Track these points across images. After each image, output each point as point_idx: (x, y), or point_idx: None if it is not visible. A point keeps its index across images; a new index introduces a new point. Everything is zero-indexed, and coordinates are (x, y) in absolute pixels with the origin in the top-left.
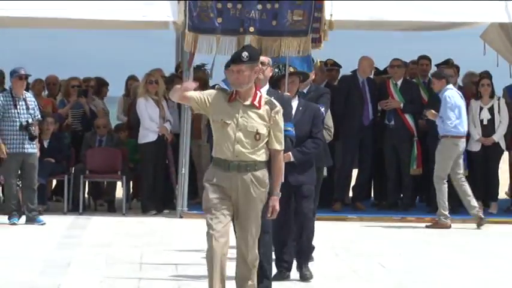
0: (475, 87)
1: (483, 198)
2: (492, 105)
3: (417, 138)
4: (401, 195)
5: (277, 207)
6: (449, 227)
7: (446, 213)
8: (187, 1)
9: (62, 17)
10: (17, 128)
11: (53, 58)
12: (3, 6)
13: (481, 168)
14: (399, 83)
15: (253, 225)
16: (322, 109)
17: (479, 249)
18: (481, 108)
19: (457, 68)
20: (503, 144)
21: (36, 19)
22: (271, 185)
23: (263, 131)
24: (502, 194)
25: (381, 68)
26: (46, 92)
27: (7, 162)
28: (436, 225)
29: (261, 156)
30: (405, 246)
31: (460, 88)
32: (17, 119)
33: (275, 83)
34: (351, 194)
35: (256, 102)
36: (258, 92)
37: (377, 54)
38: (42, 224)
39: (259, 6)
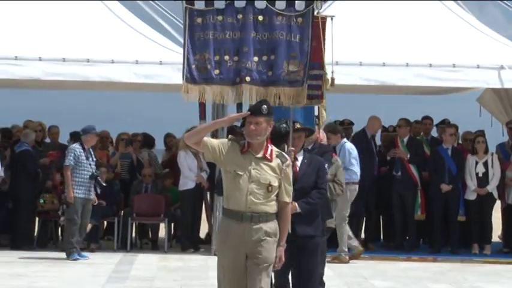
0: (471, 144)
1: (479, 241)
2: (486, 160)
3: (421, 188)
4: (407, 237)
5: (283, 258)
6: (348, 262)
7: (346, 250)
8: (186, 55)
9: (113, 81)
10: (87, 176)
11: (104, 116)
12: (64, 71)
13: (477, 215)
14: (405, 139)
15: (263, 275)
16: (326, 166)
17: (475, 286)
18: (476, 163)
19: (456, 127)
20: (495, 194)
21: (92, 82)
22: (279, 235)
23: (275, 183)
24: (495, 237)
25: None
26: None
27: (75, 205)
28: (337, 260)
29: (272, 207)
30: (410, 283)
31: (458, 145)
32: (88, 169)
33: (282, 138)
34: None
35: (268, 155)
36: (269, 145)
37: (385, 115)
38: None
39: (256, 58)
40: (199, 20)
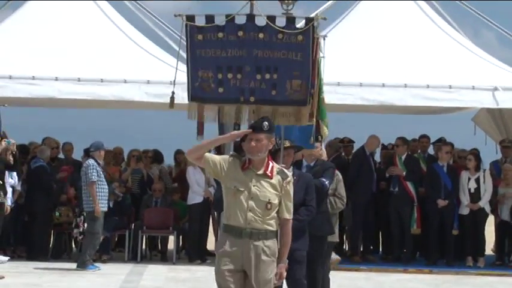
0: (465, 162)
1: (472, 254)
2: (478, 177)
3: (417, 204)
4: (404, 250)
5: (284, 275)
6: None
7: None
8: (189, 72)
9: (126, 100)
10: (106, 191)
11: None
12: (79, 90)
13: (470, 229)
14: (403, 157)
15: None
16: (327, 182)
17: None
18: (468, 179)
19: (452, 145)
20: (488, 209)
21: (106, 101)
22: (279, 252)
23: (275, 200)
24: (489, 251)
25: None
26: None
27: (100, 219)
28: None
29: (272, 225)
30: None
31: (454, 162)
32: (105, 183)
33: (272, 155)
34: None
35: (268, 172)
36: (270, 162)
37: (384, 133)
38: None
39: (258, 76)
40: (200, 36)
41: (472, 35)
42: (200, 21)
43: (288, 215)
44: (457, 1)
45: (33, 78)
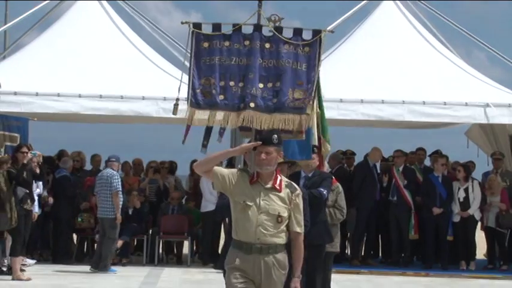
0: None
1: (465, 258)
2: (467, 186)
3: (414, 211)
4: (402, 255)
5: None
6: None
7: None
8: (191, 79)
9: (144, 115)
10: (123, 200)
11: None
12: (100, 106)
13: (462, 234)
14: (400, 168)
15: None
16: (325, 192)
17: None
18: (458, 188)
19: (447, 157)
20: (477, 216)
21: (125, 116)
22: (293, 267)
23: (284, 214)
24: (481, 255)
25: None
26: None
27: (118, 225)
28: None
29: (282, 239)
30: None
31: (448, 173)
32: (122, 193)
33: None
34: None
35: (277, 185)
36: (278, 175)
37: (383, 146)
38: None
39: (261, 85)
40: (205, 44)
41: (464, 55)
42: (207, 30)
43: (299, 229)
44: (450, 23)
45: (58, 95)
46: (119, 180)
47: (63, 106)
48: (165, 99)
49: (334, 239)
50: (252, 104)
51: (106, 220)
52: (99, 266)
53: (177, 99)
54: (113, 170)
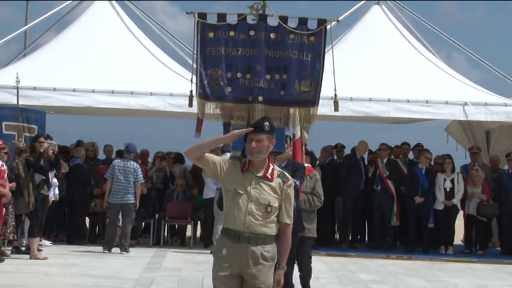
0: (440, 165)
1: (444, 243)
2: (453, 178)
3: (396, 200)
4: (386, 239)
5: (282, 281)
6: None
7: None
8: (199, 70)
9: (152, 109)
10: None
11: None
12: (112, 101)
13: (443, 222)
14: (385, 160)
15: None
16: (298, 182)
17: (441, 280)
18: (444, 180)
19: (429, 151)
20: (459, 206)
21: (135, 110)
22: (278, 257)
23: (275, 204)
24: (458, 240)
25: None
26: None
27: None
28: None
29: (272, 229)
30: (389, 276)
31: (430, 165)
32: None
33: None
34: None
35: (268, 174)
36: (270, 164)
37: (370, 140)
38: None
39: (268, 77)
40: (211, 34)
41: (445, 57)
42: (212, 20)
43: (289, 220)
44: (432, 28)
45: (74, 90)
46: (142, 172)
47: (78, 100)
48: (171, 95)
49: (312, 225)
50: (260, 98)
51: (127, 205)
52: (121, 247)
53: (191, 91)
54: (135, 162)
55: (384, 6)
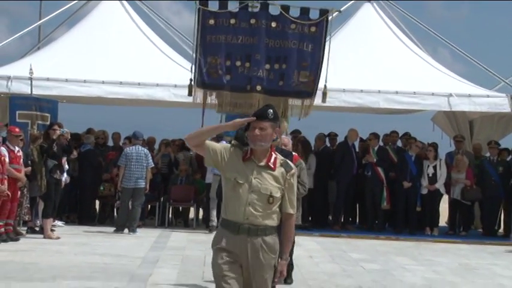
0: (425, 152)
1: (430, 225)
2: (436, 164)
3: (386, 185)
4: (376, 221)
5: (285, 273)
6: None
7: None
8: (197, 57)
9: (158, 99)
10: None
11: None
12: (120, 91)
13: (428, 205)
14: (375, 148)
15: None
16: None
17: (427, 259)
18: (427, 166)
19: (415, 139)
20: (442, 190)
21: (142, 100)
22: (281, 248)
23: (277, 194)
24: (443, 223)
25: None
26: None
27: None
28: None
29: (273, 220)
30: (379, 255)
31: (420, 153)
32: None
33: (244, 145)
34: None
35: (271, 164)
36: (273, 153)
37: (361, 129)
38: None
39: (267, 66)
40: (211, 21)
41: (431, 51)
42: (213, 7)
43: (292, 210)
44: (419, 24)
45: (85, 81)
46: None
47: (88, 91)
48: (175, 86)
49: (297, 213)
50: (258, 87)
51: (139, 189)
52: (130, 228)
53: (191, 80)
54: (144, 147)
55: (374, 4)
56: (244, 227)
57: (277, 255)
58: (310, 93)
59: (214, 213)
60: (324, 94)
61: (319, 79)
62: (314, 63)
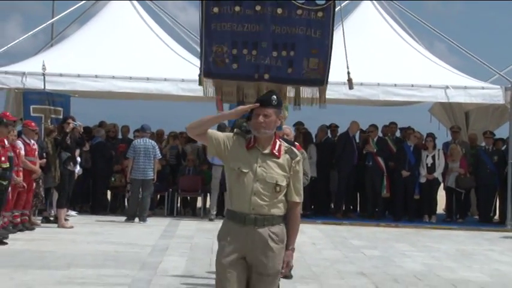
0: (422, 142)
1: (428, 212)
2: (434, 154)
3: (386, 174)
4: (376, 209)
5: (292, 263)
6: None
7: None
8: (203, 46)
9: (166, 94)
10: None
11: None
12: (130, 86)
13: (427, 193)
14: (375, 139)
15: (271, 284)
16: None
17: (426, 245)
18: (426, 156)
19: (413, 130)
20: (440, 179)
21: (151, 94)
22: (287, 238)
23: (283, 182)
24: (440, 210)
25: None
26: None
27: None
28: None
29: (280, 209)
30: (379, 242)
31: (418, 143)
32: None
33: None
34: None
35: (275, 151)
36: (277, 140)
37: (361, 121)
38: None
39: (275, 53)
40: (215, 9)
41: (428, 45)
42: None
43: (298, 198)
44: (416, 19)
45: (96, 76)
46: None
47: (99, 85)
48: (183, 80)
49: None
50: (266, 76)
51: (148, 180)
52: (140, 217)
53: (200, 69)
54: (152, 140)
55: (374, 2)
56: (251, 218)
57: (285, 243)
58: (322, 81)
59: (214, 205)
60: (349, 81)
61: (329, 65)
62: (323, 50)
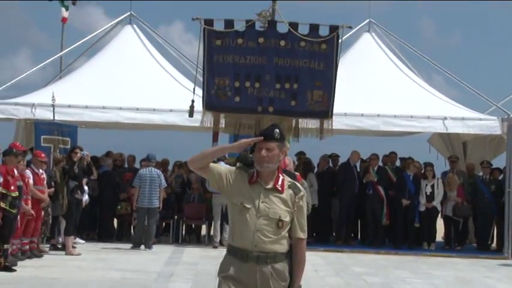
0: (423, 172)
1: (427, 240)
2: (433, 183)
3: (386, 202)
4: (377, 237)
5: None
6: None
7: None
8: (205, 79)
9: (172, 124)
10: None
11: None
12: (137, 117)
13: (426, 222)
14: (375, 168)
15: None
16: None
17: (425, 272)
18: (426, 185)
19: (413, 160)
20: (439, 208)
21: (157, 125)
22: (293, 276)
23: (286, 218)
24: (439, 238)
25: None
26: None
27: None
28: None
29: (283, 246)
30: (380, 269)
31: (417, 173)
32: None
33: (249, 167)
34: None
35: (278, 186)
36: (280, 175)
37: (362, 150)
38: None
39: (278, 86)
40: (218, 42)
41: (426, 77)
42: (219, 26)
43: (302, 234)
44: (415, 52)
45: (103, 107)
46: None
47: (106, 116)
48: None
49: None
50: (270, 109)
51: (153, 209)
52: (146, 244)
53: (193, 101)
54: (158, 169)
55: (373, 34)
56: (253, 255)
57: (288, 282)
58: (326, 112)
59: (217, 232)
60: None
61: (334, 97)
62: (327, 82)
